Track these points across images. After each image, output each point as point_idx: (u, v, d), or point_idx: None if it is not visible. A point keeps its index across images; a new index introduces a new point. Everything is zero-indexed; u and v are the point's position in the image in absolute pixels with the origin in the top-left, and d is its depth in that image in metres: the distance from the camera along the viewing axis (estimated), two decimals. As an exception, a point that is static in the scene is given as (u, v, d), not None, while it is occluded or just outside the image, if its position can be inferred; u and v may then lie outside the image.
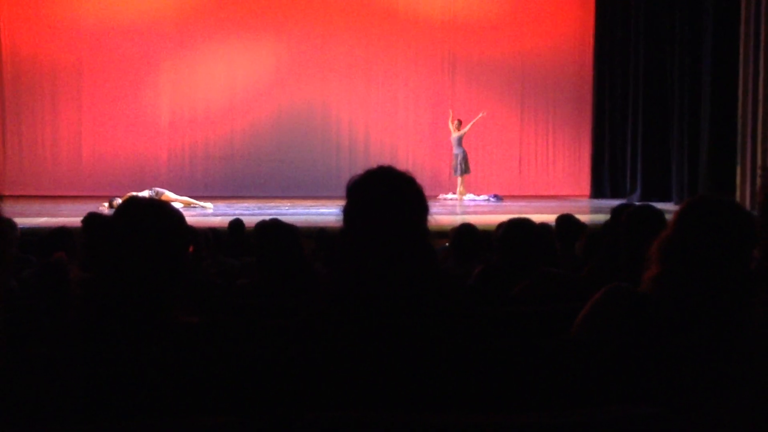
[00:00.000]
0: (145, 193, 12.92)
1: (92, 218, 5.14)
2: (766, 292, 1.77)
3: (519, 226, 3.95)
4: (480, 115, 15.96)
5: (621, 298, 2.09)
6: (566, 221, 5.54)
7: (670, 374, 1.90)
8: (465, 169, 15.44)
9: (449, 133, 16.12)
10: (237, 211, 11.89)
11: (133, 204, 2.03)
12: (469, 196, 15.93)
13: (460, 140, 15.49)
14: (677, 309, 1.99)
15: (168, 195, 13.38)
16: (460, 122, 15.69)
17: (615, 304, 2.09)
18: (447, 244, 5.67)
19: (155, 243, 1.95)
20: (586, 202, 15.85)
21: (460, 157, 15.40)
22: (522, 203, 14.94)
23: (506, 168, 17.52)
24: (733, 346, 1.91)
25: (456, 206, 14.61)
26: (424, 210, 1.97)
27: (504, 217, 5.40)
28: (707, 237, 2.02)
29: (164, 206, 2.06)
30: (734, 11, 13.45)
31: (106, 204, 12.85)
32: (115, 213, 2.03)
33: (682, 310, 1.99)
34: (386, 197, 1.92)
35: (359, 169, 2.07)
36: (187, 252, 2.03)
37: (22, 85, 16.28)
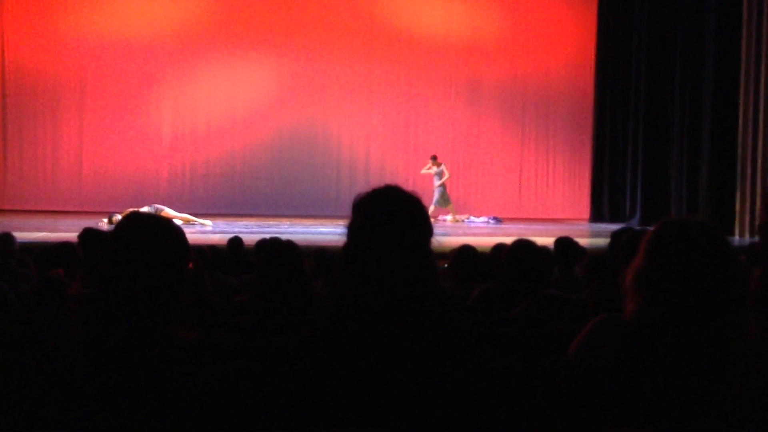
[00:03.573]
0: (145, 210, 12.93)
1: (89, 234, 5.13)
2: (765, 310, 1.76)
3: (524, 248, 3.94)
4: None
5: (611, 330, 2.07)
6: (565, 244, 5.53)
7: (664, 399, 1.89)
8: (443, 203, 15.43)
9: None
10: (236, 229, 11.87)
11: (134, 219, 2.03)
12: (469, 218, 15.96)
13: (440, 175, 15.50)
14: (666, 337, 1.97)
15: (168, 212, 13.40)
16: (435, 157, 15.68)
17: (605, 336, 2.07)
18: (446, 265, 5.67)
19: (155, 259, 1.95)
20: (586, 226, 15.85)
21: (439, 191, 15.39)
22: (521, 226, 14.94)
23: (506, 190, 17.54)
24: (727, 368, 1.90)
25: (457, 228, 14.62)
26: (428, 231, 1.98)
27: (503, 239, 5.40)
28: (681, 261, 1.99)
29: (165, 222, 2.06)
30: (736, 37, 13.55)
31: (106, 220, 12.86)
32: (116, 228, 2.03)
33: (670, 338, 1.97)
34: (392, 216, 1.92)
35: (359, 189, 2.07)
36: (187, 268, 2.02)
37: (24, 99, 16.33)
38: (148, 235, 1.97)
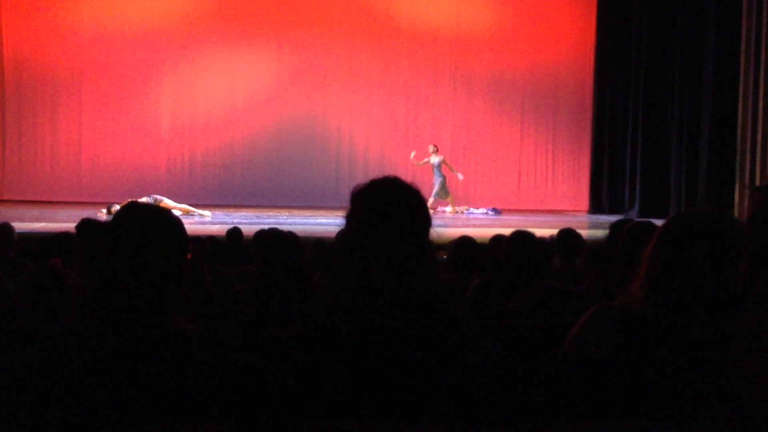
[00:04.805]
0: (144, 200, 12.93)
1: (86, 224, 5.14)
2: (754, 306, 1.77)
3: (522, 239, 3.94)
4: (459, 175, 15.73)
5: (609, 318, 2.07)
6: (569, 235, 5.54)
7: (663, 390, 1.90)
8: (444, 195, 15.34)
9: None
10: (235, 220, 11.89)
11: (133, 208, 2.02)
12: (468, 209, 15.96)
13: (440, 166, 15.40)
14: (667, 326, 1.97)
15: (167, 202, 13.39)
16: (436, 148, 15.54)
17: (604, 324, 2.07)
18: (445, 256, 5.67)
19: (154, 249, 1.94)
20: (585, 218, 15.86)
21: (439, 183, 15.28)
22: (520, 217, 14.93)
23: (505, 182, 17.53)
24: (725, 360, 1.90)
25: (456, 219, 14.63)
26: (426, 222, 1.97)
27: (502, 231, 5.40)
28: (695, 253, 1.98)
29: (164, 212, 2.05)
30: (735, 31, 13.53)
31: (105, 210, 12.84)
32: (115, 217, 2.03)
33: (672, 327, 1.97)
34: (390, 207, 1.92)
35: (358, 180, 2.07)
36: (185, 259, 2.02)
37: (23, 90, 16.30)
38: (147, 224, 1.97)
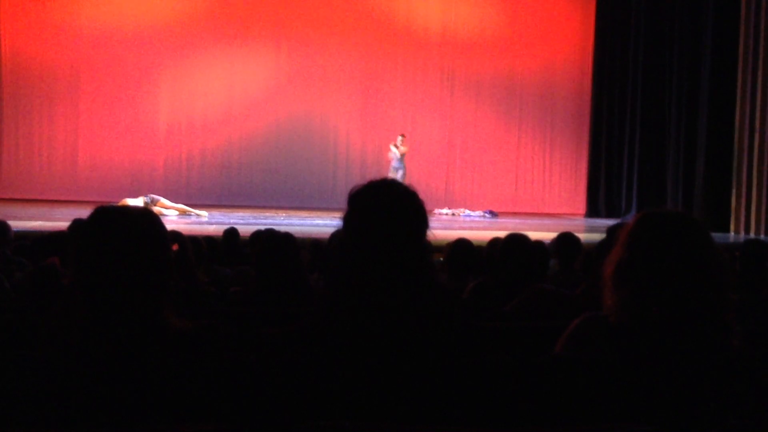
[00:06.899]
0: (140, 200, 12.92)
1: (78, 225, 5.13)
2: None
3: (517, 242, 3.95)
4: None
5: (595, 328, 2.06)
6: (567, 239, 5.55)
7: (654, 395, 1.90)
8: None
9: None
10: (232, 220, 11.88)
11: (101, 214, 1.99)
12: (465, 212, 15.96)
13: (403, 156, 15.03)
14: (651, 331, 1.96)
15: (163, 202, 13.37)
16: (403, 136, 15.18)
17: (590, 334, 2.07)
18: (441, 258, 5.66)
19: (129, 249, 1.91)
20: (582, 221, 15.87)
21: (401, 173, 14.75)
22: (517, 220, 14.94)
23: (502, 185, 17.54)
24: (712, 365, 1.90)
25: (453, 221, 14.62)
26: (424, 224, 1.97)
27: (499, 234, 5.40)
28: (664, 252, 1.96)
29: (133, 212, 2.02)
30: (733, 36, 13.57)
31: (101, 210, 12.79)
32: (85, 225, 2.01)
33: (656, 332, 1.96)
34: (387, 209, 1.92)
35: (355, 181, 2.07)
36: (169, 251, 2.00)
37: (19, 88, 16.28)
38: (116, 227, 1.94)
